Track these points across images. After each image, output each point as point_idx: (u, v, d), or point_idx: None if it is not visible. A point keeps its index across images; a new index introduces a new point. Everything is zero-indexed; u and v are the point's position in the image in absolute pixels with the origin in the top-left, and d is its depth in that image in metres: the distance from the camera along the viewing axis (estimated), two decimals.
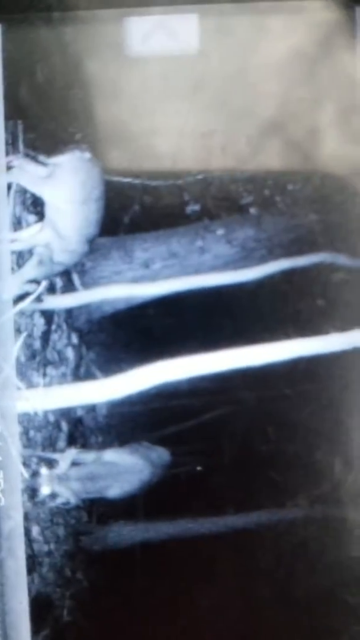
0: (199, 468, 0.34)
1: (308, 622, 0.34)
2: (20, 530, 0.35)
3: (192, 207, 0.34)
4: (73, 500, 0.34)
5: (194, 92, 0.34)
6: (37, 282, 0.34)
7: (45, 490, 0.34)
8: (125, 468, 0.34)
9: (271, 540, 0.34)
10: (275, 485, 0.34)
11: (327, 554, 0.34)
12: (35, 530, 0.35)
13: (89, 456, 0.34)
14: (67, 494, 0.34)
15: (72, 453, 0.34)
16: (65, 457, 0.34)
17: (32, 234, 0.34)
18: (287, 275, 0.34)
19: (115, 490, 0.34)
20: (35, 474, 0.34)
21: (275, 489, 0.34)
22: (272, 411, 0.34)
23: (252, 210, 0.34)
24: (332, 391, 0.34)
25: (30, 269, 0.34)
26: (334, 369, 0.34)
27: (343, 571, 0.34)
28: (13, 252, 0.34)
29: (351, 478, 0.33)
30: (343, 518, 0.34)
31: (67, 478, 0.34)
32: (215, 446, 0.34)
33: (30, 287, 0.34)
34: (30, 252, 0.34)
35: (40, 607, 0.35)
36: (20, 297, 0.34)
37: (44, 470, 0.34)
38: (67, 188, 0.34)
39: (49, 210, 0.34)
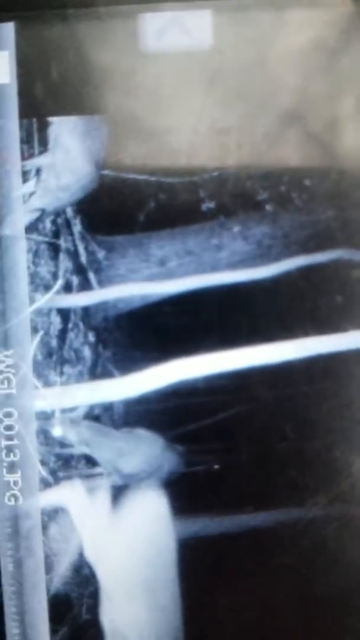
0: (216, 466, 0.34)
1: (328, 622, 0.34)
2: (39, 529, 0.35)
3: (208, 204, 0.34)
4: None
5: (209, 88, 0.33)
6: (43, 211, 0.34)
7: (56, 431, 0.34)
8: (140, 438, 0.34)
9: (290, 538, 0.34)
10: (294, 484, 0.33)
11: (348, 552, 0.33)
12: (53, 529, 0.35)
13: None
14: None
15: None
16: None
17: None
18: (305, 272, 0.34)
19: (129, 462, 0.34)
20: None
21: (294, 487, 0.34)
22: (291, 409, 0.34)
23: (268, 207, 0.34)
24: (351, 389, 0.33)
25: (36, 198, 0.34)
26: (353, 366, 0.33)
27: None
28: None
29: None
30: None
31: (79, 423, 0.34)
32: (233, 444, 0.34)
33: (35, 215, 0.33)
34: (37, 174, 0.34)
35: (58, 606, 0.35)
36: (29, 227, 0.34)
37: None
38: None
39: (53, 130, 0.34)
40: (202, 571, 0.34)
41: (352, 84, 0.33)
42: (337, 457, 0.33)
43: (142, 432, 0.34)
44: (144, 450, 0.34)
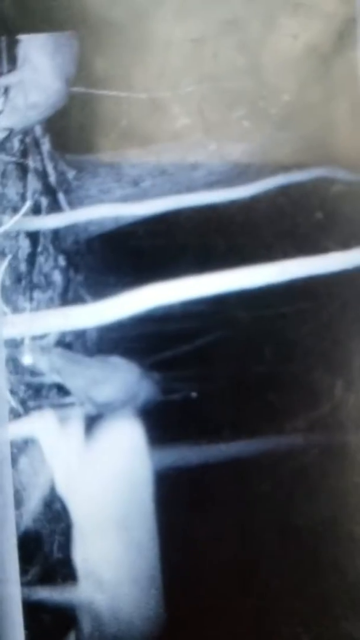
0: (194, 394, 0.32)
1: (310, 554, 0.33)
2: (8, 462, 0.33)
3: (183, 121, 0.33)
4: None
5: None
6: (11, 130, 0.32)
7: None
8: (114, 366, 0.33)
9: (270, 466, 0.32)
10: (273, 409, 0.32)
11: (329, 479, 0.32)
12: (23, 462, 0.34)
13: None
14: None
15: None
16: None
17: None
18: (285, 190, 0.32)
19: (104, 390, 0.33)
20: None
21: (273, 412, 0.32)
22: (269, 331, 0.32)
23: (246, 123, 0.32)
24: (332, 309, 0.32)
25: (4, 117, 0.32)
26: (334, 287, 0.32)
27: (346, 498, 0.32)
28: None
29: (352, 399, 0.32)
30: (344, 441, 0.32)
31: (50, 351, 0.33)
32: (211, 371, 0.33)
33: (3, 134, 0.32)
34: (4, 93, 0.33)
35: (29, 544, 0.34)
36: None
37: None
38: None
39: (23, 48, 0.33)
40: (179, 503, 0.33)
41: None
42: (317, 379, 0.32)
43: (117, 360, 0.33)
44: (118, 378, 0.33)
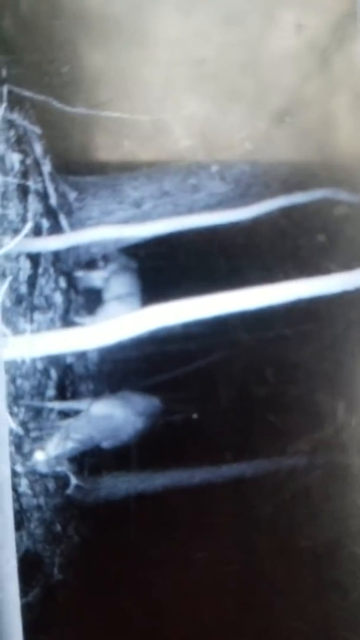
0: (195, 416, 0.32)
1: (313, 576, 0.33)
2: (8, 484, 0.33)
3: (185, 143, 0.33)
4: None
5: (185, 19, 0.32)
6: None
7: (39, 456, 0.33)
8: (117, 421, 0.33)
9: (272, 488, 0.32)
10: (275, 430, 0.32)
11: (331, 502, 0.32)
12: (23, 484, 0.33)
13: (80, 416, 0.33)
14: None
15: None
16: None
17: None
18: (286, 212, 0.32)
19: (109, 442, 0.33)
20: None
21: (275, 434, 0.32)
22: (271, 353, 0.32)
23: (248, 145, 0.32)
24: (334, 331, 0.32)
25: None
26: (336, 308, 0.32)
27: (349, 520, 0.32)
28: None
29: (355, 421, 0.32)
30: (347, 464, 0.32)
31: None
32: (212, 392, 0.33)
33: None
34: None
35: (29, 566, 0.34)
36: None
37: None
38: None
39: None
40: (179, 525, 0.33)
41: None
42: (319, 401, 0.32)
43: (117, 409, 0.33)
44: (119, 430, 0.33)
